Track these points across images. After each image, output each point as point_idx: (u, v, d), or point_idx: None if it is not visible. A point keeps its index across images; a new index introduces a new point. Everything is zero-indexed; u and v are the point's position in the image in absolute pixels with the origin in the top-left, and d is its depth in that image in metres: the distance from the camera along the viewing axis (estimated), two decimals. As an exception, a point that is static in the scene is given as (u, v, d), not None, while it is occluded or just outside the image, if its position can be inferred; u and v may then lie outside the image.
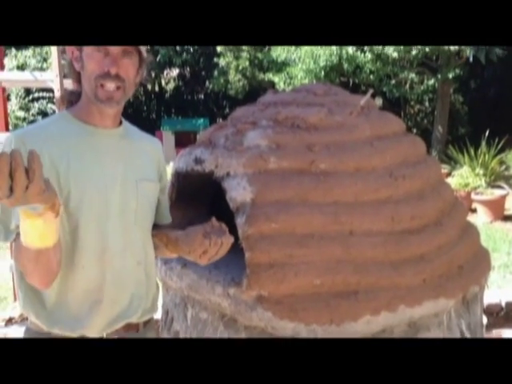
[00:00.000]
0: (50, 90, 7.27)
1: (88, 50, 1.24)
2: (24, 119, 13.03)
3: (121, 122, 1.39)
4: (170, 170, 2.07)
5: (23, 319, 3.62)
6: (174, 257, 1.54)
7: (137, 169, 1.38)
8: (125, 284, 1.34)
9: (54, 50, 3.68)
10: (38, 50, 14.43)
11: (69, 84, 3.73)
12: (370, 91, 2.31)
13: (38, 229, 1.06)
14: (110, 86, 1.24)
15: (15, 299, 3.95)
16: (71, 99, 1.36)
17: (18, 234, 1.12)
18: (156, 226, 1.47)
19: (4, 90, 4.23)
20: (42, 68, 13.32)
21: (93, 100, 1.27)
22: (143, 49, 1.29)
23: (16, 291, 1.38)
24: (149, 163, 1.44)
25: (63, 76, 3.66)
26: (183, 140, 14.27)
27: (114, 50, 1.23)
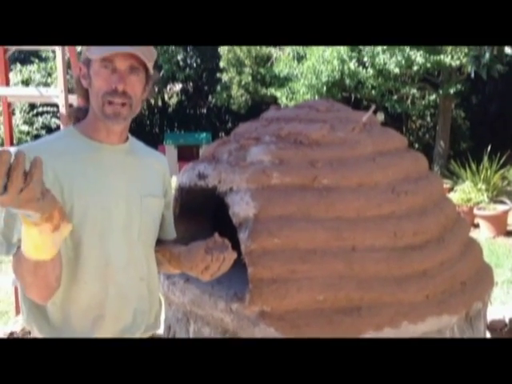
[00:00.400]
0: (54, 105, 7.34)
1: (95, 66, 1.26)
2: (28, 133, 13.09)
3: (127, 138, 1.40)
4: (173, 184, 2.08)
5: (25, 333, 3.61)
6: (177, 272, 1.53)
7: (142, 184, 1.38)
8: (127, 299, 1.34)
9: (59, 65, 3.72)
10: (42, 65, 14.56)
11: (74, 100, 3.78)
12: (372, 107, 2.33)
13: (32, 239, 1.05)
14: (118, 102, 1.25)
15: (17, 313, 3.94)
16: (78, 115, 1.37)
17: (19, 248, 1.13)
18: (159, 242, 1.47)
19: (9, 104, 4.27)
20: (46, 83, 13.43)
21: (100, 117, 1.28)
22: (150, 65, 1.30)
23: (20, 305, 1.38)
24: (154, 179, 1.44)
25: (68, 91, 3.69)
26: (186, 154, 14.30)
27: (122, 66, 1.25)
